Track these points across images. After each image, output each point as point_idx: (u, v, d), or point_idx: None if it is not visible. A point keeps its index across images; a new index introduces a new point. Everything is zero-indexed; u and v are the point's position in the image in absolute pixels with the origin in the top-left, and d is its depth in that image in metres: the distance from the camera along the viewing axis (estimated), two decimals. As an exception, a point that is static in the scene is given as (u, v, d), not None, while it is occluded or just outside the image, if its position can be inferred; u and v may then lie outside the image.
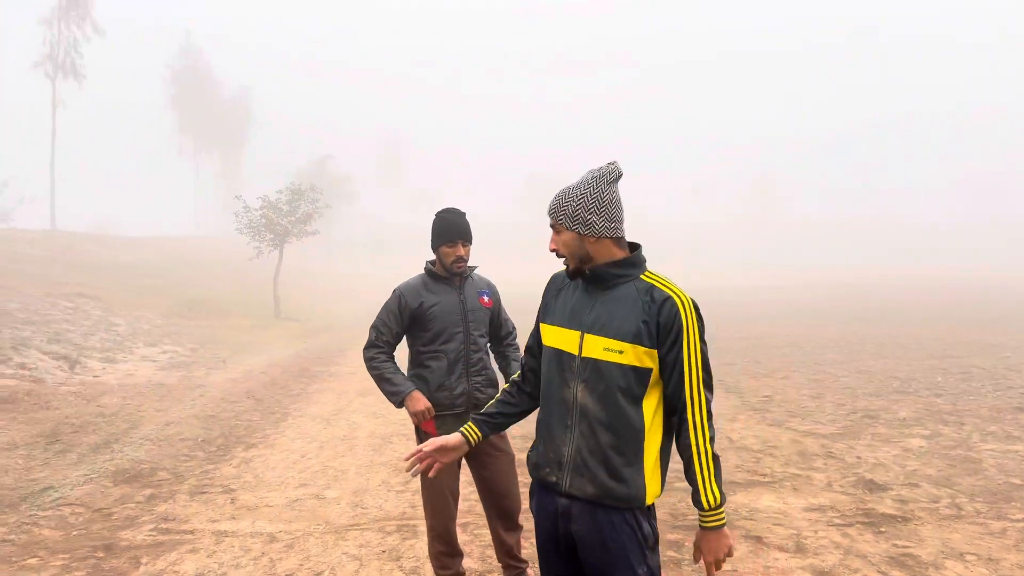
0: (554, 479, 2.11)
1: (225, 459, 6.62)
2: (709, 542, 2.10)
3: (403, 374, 3.59)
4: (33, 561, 4.29)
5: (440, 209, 3.63)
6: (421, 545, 4.42)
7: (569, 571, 2.17)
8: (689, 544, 4.39)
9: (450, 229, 3.51)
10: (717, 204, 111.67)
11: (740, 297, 36.95)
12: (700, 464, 2.07)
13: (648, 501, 2.08)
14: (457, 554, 3.64)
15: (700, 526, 2.11)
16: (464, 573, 3.72)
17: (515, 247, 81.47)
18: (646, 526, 2.09)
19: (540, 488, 2.21)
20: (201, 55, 68.19)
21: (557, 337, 2.16)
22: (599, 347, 2.05)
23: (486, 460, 3.55)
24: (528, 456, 2.27)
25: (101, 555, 4.38)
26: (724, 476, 5.79)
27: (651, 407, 2.08)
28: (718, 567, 2.11)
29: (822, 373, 11.16)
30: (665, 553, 4.27)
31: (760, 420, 7.86)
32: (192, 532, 4.76)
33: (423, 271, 3.68)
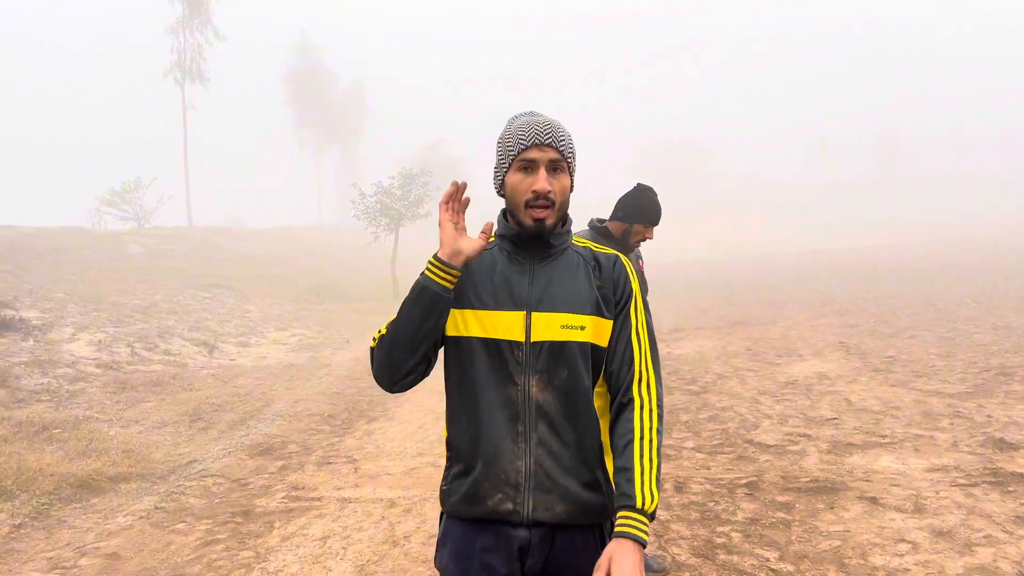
0: (510, 507, 1.62)
1: (349, 432, 7.00)
2: (632, 557, 1.49)
3: None
4: (181, 526, 4.73)
5: (643, 184, 3.52)
6: (530, 508, 4.58)
7: None
8: (800, 505, 4.33)
9: (652, 212, 3.46)
10: (839, 162, 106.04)
11: (866, 256, 35.18)
12: (643, 451, 1.63)
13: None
14: None
15: (621, 533, 1.53)
16: None
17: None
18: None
19: (471, 526, 1.67)
20: (316, 52, 70.70)
21: (490, 323, 1.67)
22: (555, 326, 1.65)
23: None
24: (449, 489, 1.71)
25: (240, 520, 4.77)
26: (841, 437, 5.64)
27: (600, 394, 1.75)
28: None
29: (954, 331, 10.54)
30: (775, 515, 4.24)
31: (882, 381, 7.55)
32: (319, 499, 5.10)
33: (589, 228, 3.59)
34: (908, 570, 3.42)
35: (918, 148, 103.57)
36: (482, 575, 1.65)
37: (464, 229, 1.70)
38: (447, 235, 1.67)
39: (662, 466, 1.75)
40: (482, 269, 1.73)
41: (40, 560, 4.27)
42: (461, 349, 1.69)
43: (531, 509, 1.61)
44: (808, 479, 4.79)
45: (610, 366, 1.74)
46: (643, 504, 1.56)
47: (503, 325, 1.66)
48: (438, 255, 1.66)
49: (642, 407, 1.68)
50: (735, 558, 3.70)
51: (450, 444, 1.73)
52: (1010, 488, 4.36)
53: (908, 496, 4.35)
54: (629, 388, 1.70)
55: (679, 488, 4.81)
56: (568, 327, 1.65)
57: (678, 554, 3.80)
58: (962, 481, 4.54)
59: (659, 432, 1.68)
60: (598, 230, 3.56)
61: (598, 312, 1.70)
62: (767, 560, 3.65)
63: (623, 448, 1.64)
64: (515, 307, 1.67)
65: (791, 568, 3.53)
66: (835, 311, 14.34)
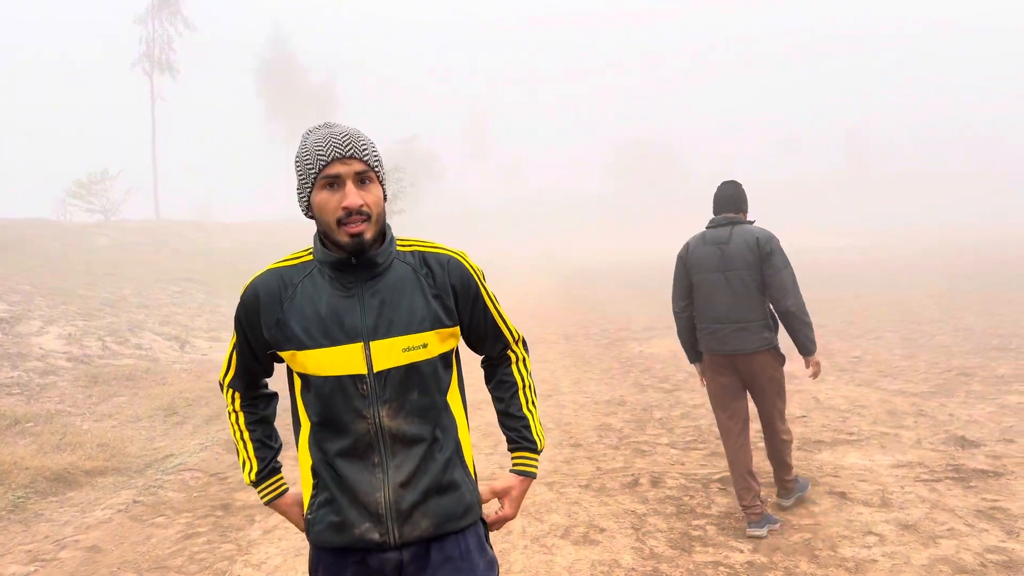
0: (376, 536, 1.60)
1: (326, 427, 7.02)
2: (522, 491, 1.82)
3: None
4: (161, 519, 4.74)
5: (731, 180, 4.28)
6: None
7: None
8: (773, 500, 4.46)
9: None
10: (809, 160, 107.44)
11: (835, 257, 35.79)
12: (527, 399, 1.86)
13: (482, 501, 1.77)
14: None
15: (521, 471, 1.82)
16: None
17: (608, 219, 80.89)
18: (489, 549, 1.74)
19: (342, 553, 1.65)
20: (287, 44, 70.02)
21: (327, 361, 1.60)
22: (396, 351, 1.60)
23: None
24: (314, 518, 1.66)
25: (220, 514, 4.79)
26: (810, 435, 5.80)
27: (455, 391, 1.75)
28: (499, 526, 1.82)
29: (917, 332, 10.83)
30: (748, 509, 4.36)
31: (849, 381, 7.76)
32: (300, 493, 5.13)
33: (749, 228, 4.14)
34: (876, 561, 3.56)
35: (885, 148, 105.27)
36: None
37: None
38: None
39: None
40: (305, 304, 1.63)
41: (19, 553, 4.26)
42: (308, 386, 1.64)
43: (397, 536, 1.60)
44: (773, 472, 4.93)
45: (481, 344, 1.86)
46: (540, 446, 1.85)
47: (341, 361, 1.59)
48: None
49: (518, 360, 1.90)
50: (711, 550, 3.82)
51: (315, 472, 1.67)
52: (972, 484, 4.54)
53: (875, 491, 4.51)
54: (504, 350, 1.89)
55: (655, 482, 4.92)
56: (410, 348, 1.61)
57: (655, 546, 3.91)
58: (926, 477, 4.71)
59: (531, 377, 1.92)
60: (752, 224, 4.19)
61: (438, 325, 1.65)
62: (742, 552, 3.77)
63: (509, 398, 1.86)
64: (349, 340, 1.59)
65: (764, 559, 3.66)
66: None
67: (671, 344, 11.21)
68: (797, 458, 5.26)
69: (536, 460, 1.85)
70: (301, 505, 1.79)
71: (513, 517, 1.83)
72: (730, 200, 4.18)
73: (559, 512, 4.46)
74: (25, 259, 17.17)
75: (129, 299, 14.99)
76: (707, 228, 4.21)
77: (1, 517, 4.76)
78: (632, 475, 5.11)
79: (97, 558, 4.16)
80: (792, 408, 6.69)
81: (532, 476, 1.85)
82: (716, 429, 6.15)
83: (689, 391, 7.73)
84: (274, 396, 1.94)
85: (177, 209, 61.94)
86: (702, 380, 4.39)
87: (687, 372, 8.82)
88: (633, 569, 3.65)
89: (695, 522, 4.21)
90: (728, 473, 5.02)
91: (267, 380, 1.91)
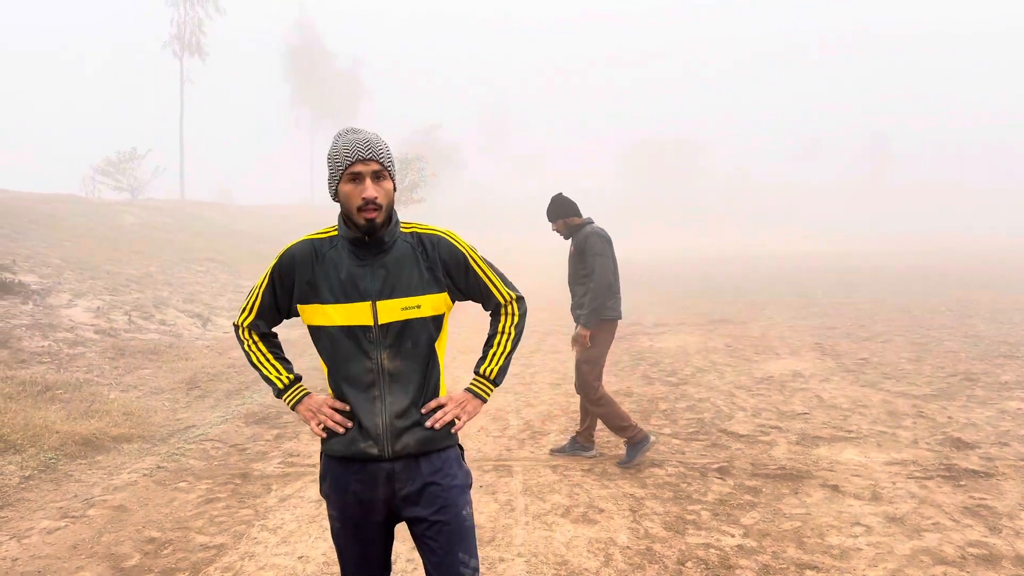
0: (375, 451, 2.06)
1: (341, 406, 7.26)
2: (466, 403, 2.20)
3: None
4: (183, 484, 5.00)
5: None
6: (515, 482, 4.89)
7: (383, 547, 2.16)
8: (767, 490, 4.64)
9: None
10: (828, 166, 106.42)
11: (849, 262, 35.66)
12: (497, 342, 2.30)
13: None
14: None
15: (468, 389, 2.24)
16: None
17: (623, 216, 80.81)
18: (464, 465, 2.20)
19: (346, 463, 2.10)
20: (314, 30, 70.40)
21: (342, 314, 2.05)
22: (396, 309, 2.05)
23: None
24: (330, 435, 2.12)
25: (239, 482, 5.04)
26: (810, 431, 5.96)
27: (441, 346, 2.19)
28: (450, 420, 2.14)
29: (926, 337, 10.91)
30: (743, 497, 4.55)
31: (853, 381, 7.89)
32: (314, 465, 5.37)
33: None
34: (860, 549, 3.74)
35: (908, 155, 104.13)
36: (352, 500, 2.08)
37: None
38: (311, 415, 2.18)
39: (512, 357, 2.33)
40: (331, 269, 2.08)
41: (50, 509, 4.53)
42: (326, 335, 2.09)
43: (391, 450, 2.06)
44: (776, 467, 5.11)
45: (481, 302, 2.30)
46: (486, 372, 2.27)
47: (354, 314, 2.05)
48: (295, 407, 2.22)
49: (505, 315, 2.33)
50: (703, 533, 4.01)
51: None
52: (961, 482, 4.70)
53: (867, 485, 4.68)
54: (498, 308, 2.33)
55: (655, 469, 5.11)
56: (407, 308, 2.06)
57: (651, 527, 4.11)
58: (918, 474, 4.87)
59: (517, 329, 2.33)
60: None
61: (429, 291, 2.11)
62: (732, 536, 3.96)
63: (487, 341, 2.33)
64: (362, 298, 2.05)
65: (754, 544, 3.84)
66: (814, 313, 14.70)
67: (682, 340, 11.38)
68: (795, 451, 5.43)
69: (483, 384, 2.27)
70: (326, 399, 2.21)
71: (447, 406, 2.15)
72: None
73: (561, 492, 4.67)
74: (54, 233, 17.57)
75: (155, 276, 15.34)
76: (596, 224, 5.33)
77: (33, 476, 5.03)
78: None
79: (123, 517, 4.42)
80: (794, 406, 6.85)
81: (472, 393, 2.25)
82: (719, 422, 6.34)
83: (695, 385, 7.90)
84: (276, 336, 2.36)
85: (201, 190, 62.55)
86: (587, 341, 5.15)
87: (695, 367, 8.98)
88: (628, 547, 3.85)
89: (690, 507, 4.40)
90: (726, 464, 5.21)
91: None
